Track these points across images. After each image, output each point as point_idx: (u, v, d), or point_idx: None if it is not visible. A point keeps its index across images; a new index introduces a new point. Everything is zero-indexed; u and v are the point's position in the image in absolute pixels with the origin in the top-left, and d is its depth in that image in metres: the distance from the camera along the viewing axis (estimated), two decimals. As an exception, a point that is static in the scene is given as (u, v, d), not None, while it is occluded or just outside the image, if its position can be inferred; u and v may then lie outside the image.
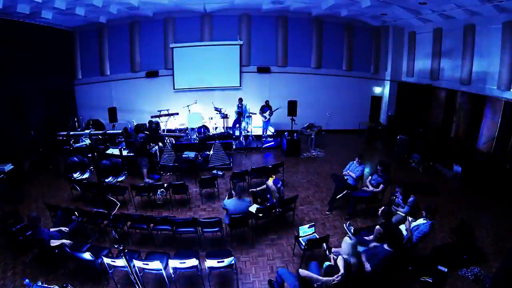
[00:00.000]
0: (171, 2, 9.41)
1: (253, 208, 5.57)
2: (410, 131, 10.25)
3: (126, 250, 2.86)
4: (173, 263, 4.06)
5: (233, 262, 4.07)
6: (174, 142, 9.35)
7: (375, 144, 11.29)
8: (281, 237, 5.45)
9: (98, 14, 9.83)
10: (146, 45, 11.43)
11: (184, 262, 3.98)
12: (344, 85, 12.20)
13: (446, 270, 4.48)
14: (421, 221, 4.61)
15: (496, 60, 7.42)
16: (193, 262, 3.97)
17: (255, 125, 11.04)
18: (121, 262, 3.61)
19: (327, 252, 4.42)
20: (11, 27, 8.39)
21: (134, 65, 11.55)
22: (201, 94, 11.59)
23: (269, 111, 10.51)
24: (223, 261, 4.01)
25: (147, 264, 4.00)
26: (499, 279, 3.89)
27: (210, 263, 4.05)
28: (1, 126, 8.17)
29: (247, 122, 10.66)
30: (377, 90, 12.54)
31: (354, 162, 6.58)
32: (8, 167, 7.17)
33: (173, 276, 4.14)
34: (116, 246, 2.82)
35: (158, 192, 6.54)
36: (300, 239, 4.78)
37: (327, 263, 3.93)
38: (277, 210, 5.69)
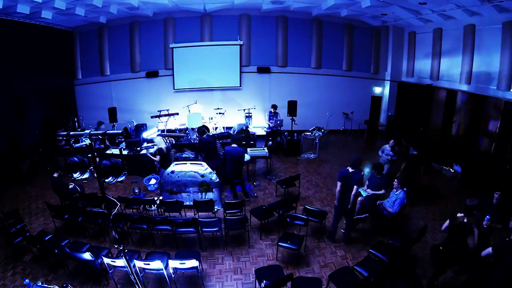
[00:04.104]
0: (171, 2, 9.42)
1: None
2: (410, 131, 10.27)
3: (126, 250, 2.86)
4: (173, 263, 4.06)
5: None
6: (174, 142, 9.34)
7: (375, 144, 11.29)
8: (281, 237, 5.45)
9: (98, 14, 9.82)
10: (146, 45, 11.42)
11: (184, 263, 3.98)
12: (344, 85, 12.20)
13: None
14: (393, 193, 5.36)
15: (496, 60, 7.42)
16: (193, 263, 3.97)
17: (255, 125, 11.07)
18: (121, 262, 3.60)
19: None
20: (11, 27, 8.40)
21: (134, 65, 11.54)
22: (201, 94, 11.60)
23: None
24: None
25: (148, 264, 4.00)
26: (499, 279, 3.88)
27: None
28: (1, 126, 8.18)
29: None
30: (377, 90, 12.54)
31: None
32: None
33: (173, 276, 4.14)
34: (116, 246, 2.82)
35: (153, 207, 6.16)
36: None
37: None
38: None
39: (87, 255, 4.15)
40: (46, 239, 4.85)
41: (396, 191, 5.36)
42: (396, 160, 7.30)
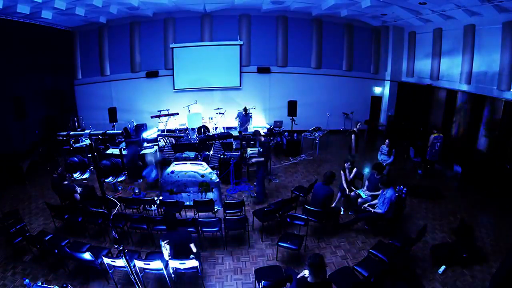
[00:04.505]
0: (171, 2, 9.42)
1: None
2: (410, 131, 10.25)
3: (126, 250, 2.86)
4: (173, 263, 4.05)
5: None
6: (174, 142, 9.34)
7: (375, 144, 11.29)
8: (281, 237, 5.44)
9: (98, 14, 9.83)
10: (146, 45, 11.43)
11: (184, 263, 3.98)
12: (344, 85, 12.20)
13: (444, 268, 4.50)
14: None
15: (496, 60, 7.42)
16: (193, 263, 3.97)
17: (255, 125, 11.06)
18: (121, 262, 3.60)
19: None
20: (11, 27, 8.40)
21: (134, 65, 11.54)
22: (201, 94, 11.61)
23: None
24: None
25: (148, 264, 4.00)
26: (500, 279, 3.89)
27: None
28: (1, 126, 8.18)
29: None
30: (377, 90, 12.54)
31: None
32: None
33: (173, 276, 4.14)
34: (116, 246, 2.82)
35: (153, 208, 6.14)
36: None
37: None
38: None
39: (87, 255, 4.15)
40: (46, 239, 4.84)
41: (383, 191, 5.26)
42: (393, 161, 7.25)
